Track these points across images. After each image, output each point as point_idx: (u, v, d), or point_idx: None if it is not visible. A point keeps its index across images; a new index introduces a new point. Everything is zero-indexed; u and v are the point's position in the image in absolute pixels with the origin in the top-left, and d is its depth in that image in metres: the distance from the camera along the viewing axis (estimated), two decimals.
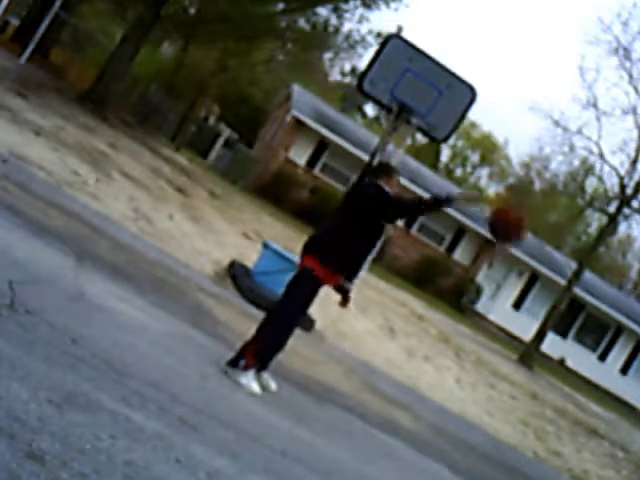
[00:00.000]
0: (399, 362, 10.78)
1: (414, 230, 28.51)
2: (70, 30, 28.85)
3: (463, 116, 9.64)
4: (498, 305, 29.41)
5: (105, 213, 9.31)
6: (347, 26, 27.32)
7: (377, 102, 9.94)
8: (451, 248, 28.94)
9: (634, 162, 23.24)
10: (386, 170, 5.96)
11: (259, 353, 5.62)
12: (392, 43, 9.39)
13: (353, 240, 5.68)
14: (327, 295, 12.60)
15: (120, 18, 30.55)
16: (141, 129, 25.67)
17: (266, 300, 9.00)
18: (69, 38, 30.19)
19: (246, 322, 7.99)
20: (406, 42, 9.40)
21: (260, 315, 8.60)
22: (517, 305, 29.95)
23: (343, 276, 5.78)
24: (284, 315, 5.79)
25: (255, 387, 5.59)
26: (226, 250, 11.46)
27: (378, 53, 9.39)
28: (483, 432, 9.12)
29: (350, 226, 5.68)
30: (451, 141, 50.08)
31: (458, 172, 59.96)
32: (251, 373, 5.61)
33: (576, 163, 29.02)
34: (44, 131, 12.10)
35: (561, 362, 29.45)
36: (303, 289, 5.74)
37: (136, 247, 8.63)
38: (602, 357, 31.01)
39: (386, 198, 5.64)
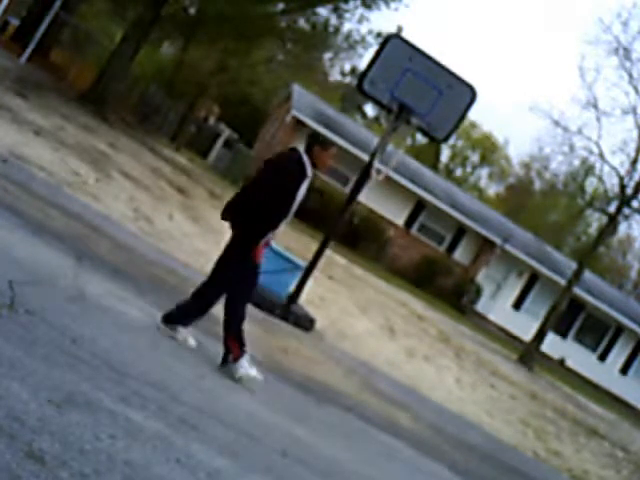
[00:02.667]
0: (399, 362, 10.78)
1: (414, 230, 28.52)
2: (70, 30, 28.83)
3: (463, 116, 9.64)
4: (498, 305, 29.41)
5: (105, 213, 9.31)
6: (347, 26, 27.37)
7: (377, 102, 9.94)
8: (451, 248, 28.94)
9: (634, 162, 23.25)
10: (321, 142, 5.94)
11: (234, 332, 5.60)
12: (392, 43, 9.39)
13: (275, 216, 5.67)
14: (327, 295, 12.60)
15: (120, 18, 30.56)
16: (141, 129, 25.68)
17: (266, 300, 9.00)
18: (69, 38, 30.16)
19: (246, 322, 7.98)
20: (406, 42, 9.40)
21: (260, 316, 8.61)
22: (517, 305, 29.96)
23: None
24: (244, 294, 5.75)
25: (253, 372, 5.59)
26: None
27: (378, 53, 9.39)
28: (483, 432, 9.12)
29: (270, 202, 5.63)
30: (451, 141, 50.10)
31: (458, 172, 60.00)
32: (244, 361, 5.57)
33: (576, 163, 29.04)
34: (44, 131, 12.10)
35: (561, 362, 29.45)
36: (247, 268, 5.68)
37: (136, 247, 8.63)
38: (602, 357, 31.02)
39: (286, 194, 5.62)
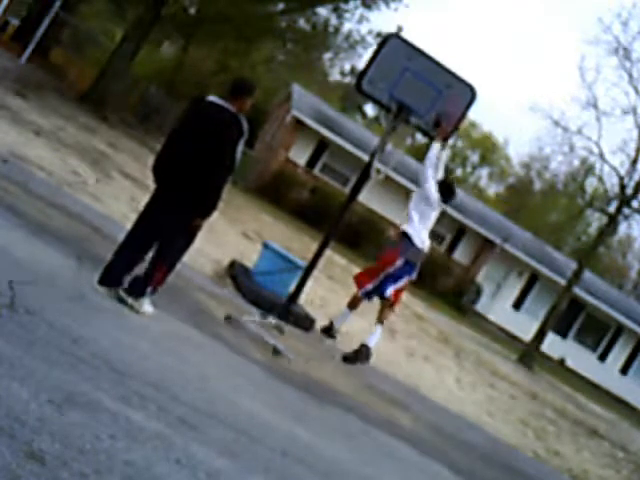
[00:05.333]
0: (399, 362, 10.78)
1: None
2: (70, 30, 28.86)
3: (463, 116, 9.61)
4: (498, 305, 29.40)
5: (105, 213, 9.31)
6: (347, 26, 27.43)
7: (376, 102, 9.91)
8: (451, 248, 28.93)
9: (634, 162, 23.26)
10: (249, 90, 5.84)
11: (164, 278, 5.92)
12: (391, 43, 9.36)
13: (222, 175, 5.75)
14: (328, 296, 12.60)
15: (120, 18, 30.57)
16: (141, 129, 25.67)
17: (266, 300, 9.00)
18: (69, 38, 30.19)
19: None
20: (405, 42, 9.37)
21: (258, 314, 8.60)
22: (517, 305, 29.95)
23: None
24: (182, 252, 6.12)
25: (151, 309, 5.88)
26: (226, 250, 11.46)
27: (377, 53, 9.36)
28: (483, 432, 9.11)
29: (217, 160, 5.64)
30: (451, 141, 50.03)
31: (458, 172, 59.97)
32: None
33: (576, 163, 29.08)
34: (44, 131, 12.10)
35: (561, 362, 29.44)
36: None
37: None
38: (602, 357, 31.01)
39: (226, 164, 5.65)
